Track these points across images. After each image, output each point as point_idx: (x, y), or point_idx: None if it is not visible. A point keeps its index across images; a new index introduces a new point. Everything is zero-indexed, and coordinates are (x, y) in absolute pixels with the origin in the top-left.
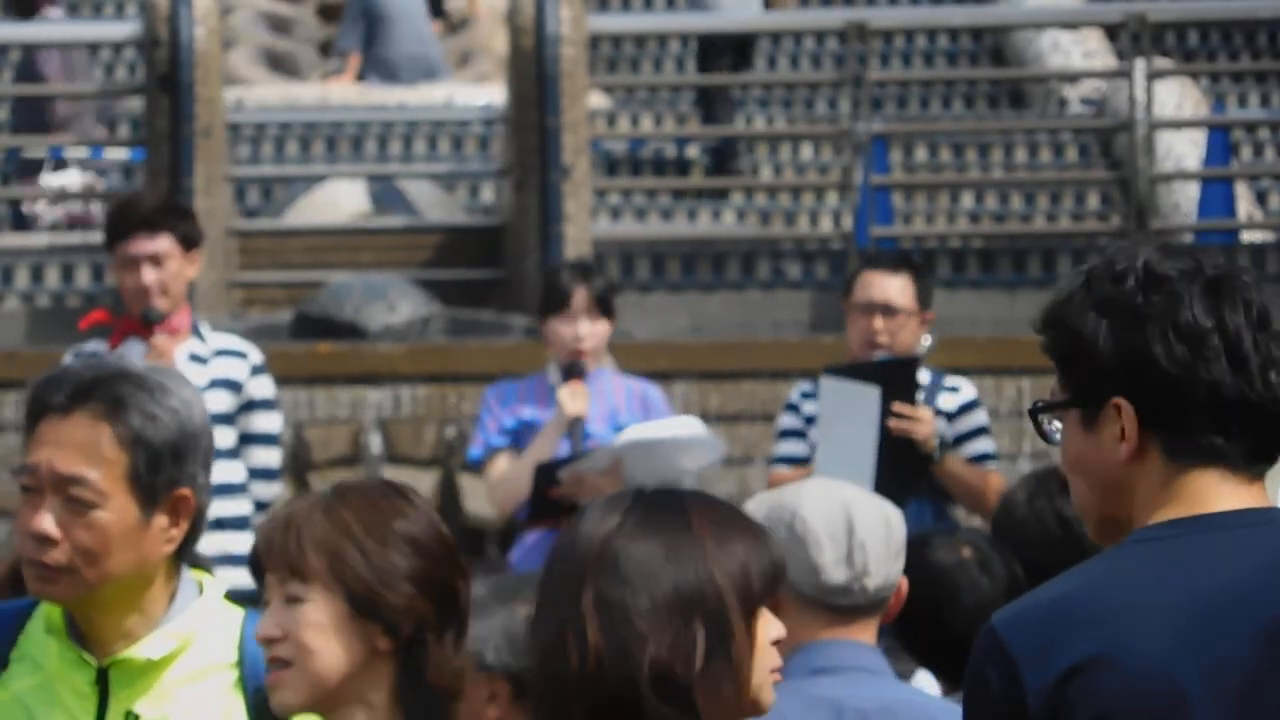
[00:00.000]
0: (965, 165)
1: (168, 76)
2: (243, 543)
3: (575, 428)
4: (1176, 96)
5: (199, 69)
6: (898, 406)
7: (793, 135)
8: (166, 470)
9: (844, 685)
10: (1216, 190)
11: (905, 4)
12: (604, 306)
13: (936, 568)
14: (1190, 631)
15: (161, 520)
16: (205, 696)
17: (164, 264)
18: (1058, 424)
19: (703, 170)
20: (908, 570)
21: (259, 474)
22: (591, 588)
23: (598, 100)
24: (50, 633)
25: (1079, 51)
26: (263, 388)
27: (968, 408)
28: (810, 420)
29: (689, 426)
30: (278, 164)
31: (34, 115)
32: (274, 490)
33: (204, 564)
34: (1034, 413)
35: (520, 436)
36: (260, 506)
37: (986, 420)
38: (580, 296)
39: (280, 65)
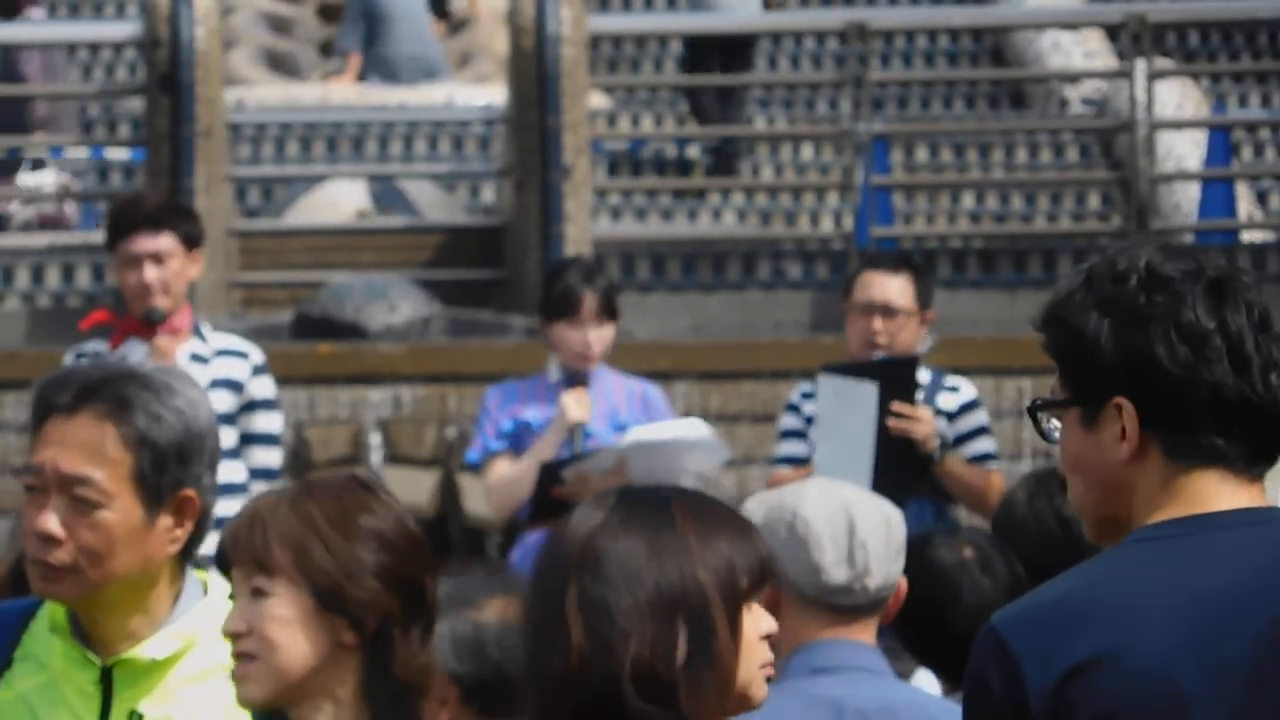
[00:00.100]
0: (966, 165)
1: (168, 77)
2: None
3: (576, 434)
4: (1177, 97)
5: (199, 69)
6: (897, 406)
7: (793, 135)
8: (171, 471)
9: (844, 685)
10: (1217, 190)
11: (906, 4)
12: (610, 311)
13: (938, 567)
14: (1192, 631)
15: (166, 521)
16: (209, 697)
17: (166, 262)
18: (1056, 422)
19: (703, 170)
20: (909, 570)
21: (260, 474)
22: (575, 586)
23: (598, 100)
24: (54, 632)
25: (1080, 52)
26: (264, 388)
27: (968, 407)
28: (811, 421)
29: (694, 429)
30: (278, 164)
31: (13, 115)
32: None
33: (206, 564)
34: (1033, 411)
35: (519, 438)
36: None
37: (987, 420)
38: (590, 302)
39: (281, 65)
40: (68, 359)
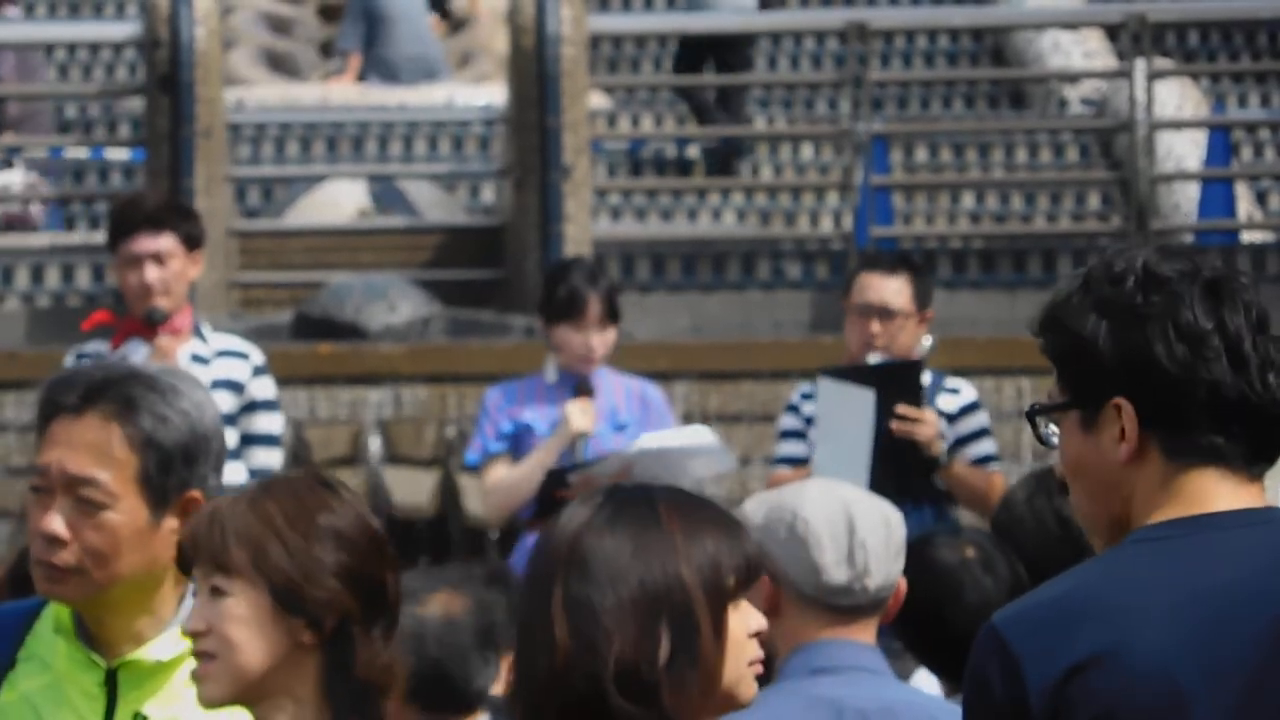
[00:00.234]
0: (965, 165)
1: (168, 77)
2: None
3: (578, 443)
4: (1177, 97)
5: (199, 69)
6: (902, 409)
7: (793, 135)
8: (177, 472)
9: (844, 685)
10: (1217, 191)
11: (906, 4)
12: (613, 314)
13: (940, 567)
14: (1192, 631)
15: (172, 522)
16: None
17: (167, 263)
18: (1054, 427)
19: (703, 170)
20: (911, 570)
21: (260, 475)
22: (561, 585)
23: (598, 100)
24: (59, 633)
25: (1079, 52)
26: (264, 388)
27: (969, 409)
28: (810, 421)
29: (700, 436)
30: (278, 164)
31: None
32: None
33: None
34: (1031, 416)
35: (518, 440)
36: None
37: (988, 422)
38: (594, 306)
39: (281, 65)
40: (68, 359)
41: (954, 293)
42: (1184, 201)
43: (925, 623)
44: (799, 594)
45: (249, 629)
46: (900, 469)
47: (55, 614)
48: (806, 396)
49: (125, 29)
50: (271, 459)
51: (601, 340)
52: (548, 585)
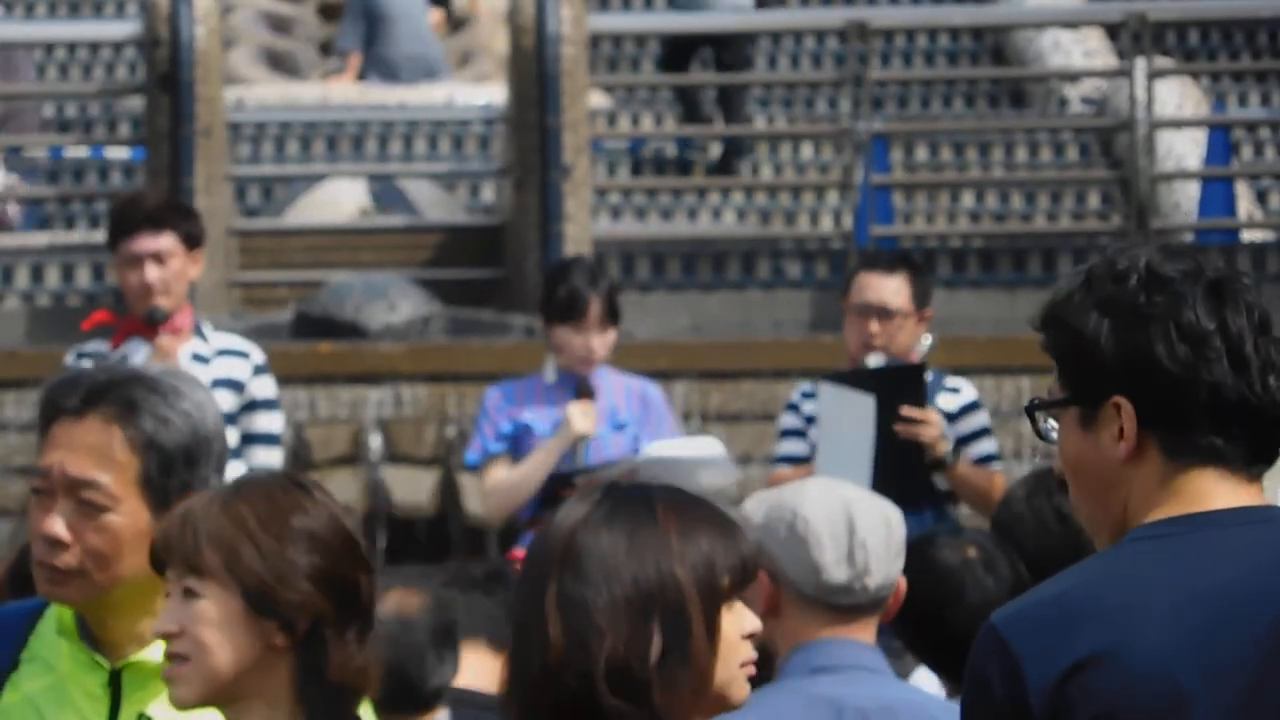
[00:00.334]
0: (966, 164)
1: (168, 76)
2: None
3: (579, 446)
4: (1177, 96)
5: (199, 68)
6: (907, 410)
7: (793, 134)
8: (179, 474)
9: (844, 684)
10: (1217, 190)
11: (906, 3)
12: (614, 315)
13: (942, 567)
14: (1192, 630)
15: None
16: None
17: (167, 262)
18: (1054, 423)
19: (703, 169)
20: (913, 570)
21: None
22: (555, 582)
23: (598, 100)
24: (62, 634)
25: (1079, 51)
26: (265, 388)
27: (969, 409)
28: (811, 420)
29: (708, 447)
30: (278, 163)
31: None
32: None
33: None
34: (1031, 411)
35: (518, 440)
36: None
37: (988, 421)
38: (595, 307)
39: (280, 65)
40: (69, 359)
41: (954, 292)
42: (1184, 200)
43: (927, 623)
44: (799, 593)
45: (220, 631)
46: (903, 473)
47: (58, 615)
48: (807, 395)
49: (125, 28)
50: (272, 458)
51: (602, 342)
52: (542, 582)
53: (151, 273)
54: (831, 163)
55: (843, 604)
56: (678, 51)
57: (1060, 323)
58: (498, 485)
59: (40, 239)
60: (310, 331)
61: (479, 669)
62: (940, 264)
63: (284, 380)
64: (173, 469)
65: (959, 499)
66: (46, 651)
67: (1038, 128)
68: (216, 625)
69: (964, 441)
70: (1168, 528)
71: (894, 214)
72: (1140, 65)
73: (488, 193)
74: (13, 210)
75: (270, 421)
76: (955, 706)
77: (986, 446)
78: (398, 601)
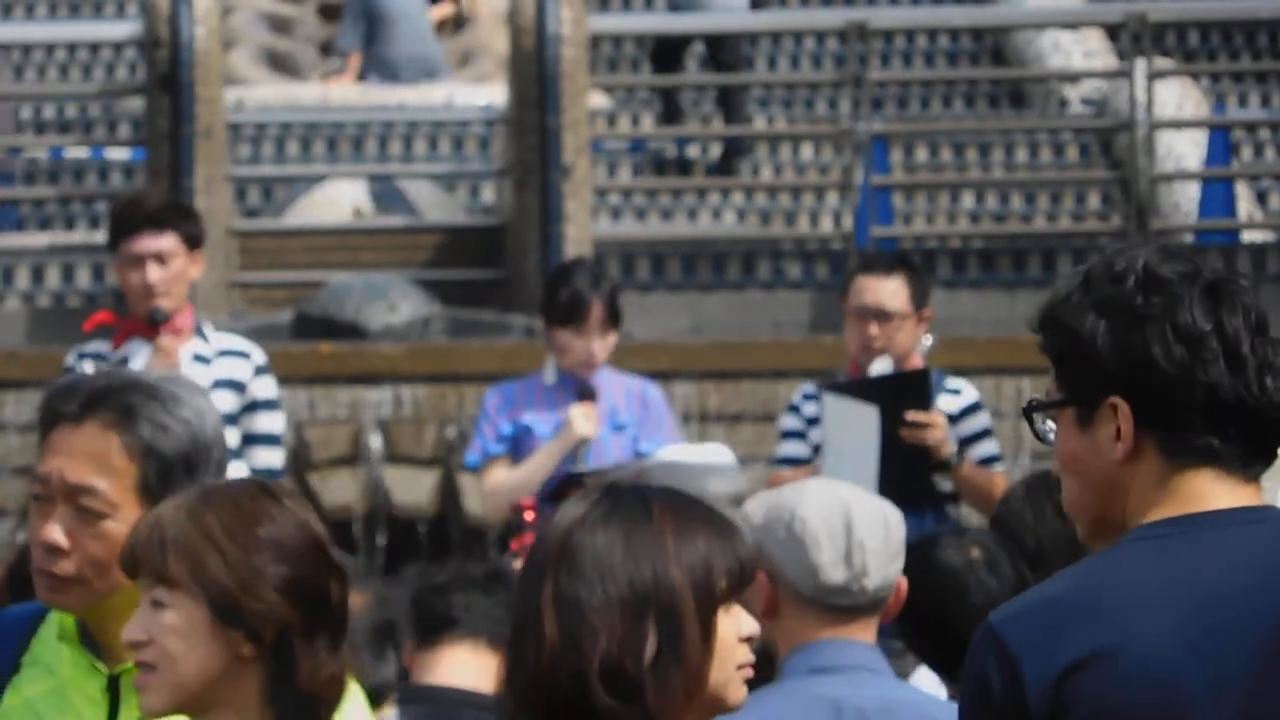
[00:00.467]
0: (965, 165)
1: (168, 76)
2: None
3: (581, 448)
4: (1177, 96)
5: (199, 69)
6: (912, 415)
7: (793, 135)
8: (178, 481)
9: (843, 684)
10: (1217, 190)
11: (906, 4)
12: (615, 318)
13: (944, 567)
14: (1191, 629)
15: None
16: None
17: (169, 262)
18: (1051, 424)
19: (703, 170)
20: (915, 570)
21: (261, 474)
22: (551, 581)
23: (598, 100)
24: (62, 640)
25: (1079, 51)
26: (266, 388)
27: (970, 410)
28: (811, 421)
29: (718, 454)
30: (278, 164)
31: None
32: None
33: None
34: (1028, 412)
35: (518, 442)
36: None
37: (989, 422)
38: (597, 311)
39: (281, 65)
40: (69, 359)
41: (954, 292)
42: (1184, 201)
43: (930, 623)
44: (797, 594)
45: (186, 641)
46: (906, 476)
47: (59, 620)
48: (808, 397)
49: (125, 29)
50: (273, 458)
51: (603, 345)
52: (539, 581)
53: (153, 273)
54: (831, 163)
55: (840, 605)
56: (665, 51)
57: (1058, 323)
58: (498, 486)
59: (40, 239)
60: (310, 332)
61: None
62: (940, 265)
63: (284, 380)
64: (171, 476)
65: (960, 500)
66: (48, 656)
67: (1038, 128)
68: (182, 635)
69: (966, 443)
70: (1166, 528)
71: (894, 215)
72: (1140, 66)
73: (488, 193)
74: None
75: (271, 422)
76: (955, 707)
77: (988, 448)
78: None
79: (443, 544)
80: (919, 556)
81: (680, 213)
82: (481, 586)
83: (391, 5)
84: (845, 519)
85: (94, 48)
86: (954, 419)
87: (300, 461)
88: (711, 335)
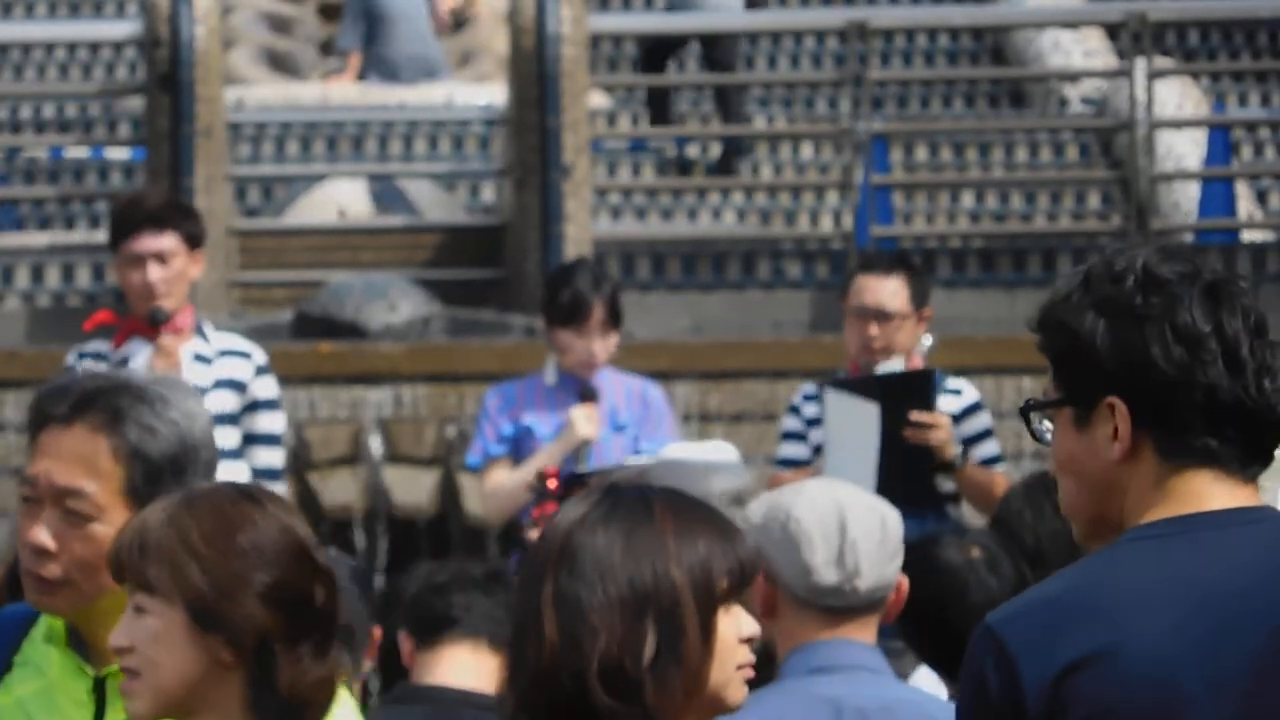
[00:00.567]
0: (965, 165)
1: (168, 76)
2: None
3: (582, 450)
4: (1177, 96)
5: (199, 68)
6: (916, 415)
7: (793, 135)
8: (165, 483)
9: (843, 684)
10: (1217, 190)
11: (906, 3)
12: (616, 319)
13: (945, 567)
14: (1190, 628)
15: None
16: None
17: (170, 262)
18: (1049, 424)
19: (703, 170)
20: (916, 569)
21: (262, 474)
22: (551, 581)
23: (598, 100)
24: (50, 641)
25: (1079, 51)
26: (266, 388)
27: (971, 410)
28: (811, 423)
29: (722, 451)
30: (278, 163)
31: None
32: (277, 490)
33: None
34: (1025, 412)
35: (519, 443)
36: None
37: (990, 422)
38: (598, 312)
39: (281, 65)
40: (70, 359)
41: (954, 292)
42: (1184, 200)
43: (930, 622)
44: (792, 595)
45: (167, 647)
46: (908, 476)
47: (48, 623)
48: (809, 397)
49: (125, 28)
50: (273, 458)
51: (604, 346)
52: (540, 581)
53: (154, 272)
54: (831, 163)
55: (834, 605)
56: (655, 51)
57: (1057, 323)
58: (499, 487)
59: (40, 239)
60: (310, 331)
61: (479, 669)
62: (940, 264)
63: (284, 380)
64: (159, 478)
65: (961, 500)
66: (39, 656)
67: (1038, 128)
68: (163, 641)
69: (967, 443)
70: (1164, 528)
71: (894, 214)
72: (1140, 65)
73: (488, 193)
74: None
75: (272, 422)
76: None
77: (990, 448)
78: None
79: (443, 544)
80: (919, 556)
81: (680, 212)
82: (481, 586)
83: (391, 5)
84: (839, 520)
85: (94, 47)
86: (955, 419)
87: (300, 461)
88: (711, 335)
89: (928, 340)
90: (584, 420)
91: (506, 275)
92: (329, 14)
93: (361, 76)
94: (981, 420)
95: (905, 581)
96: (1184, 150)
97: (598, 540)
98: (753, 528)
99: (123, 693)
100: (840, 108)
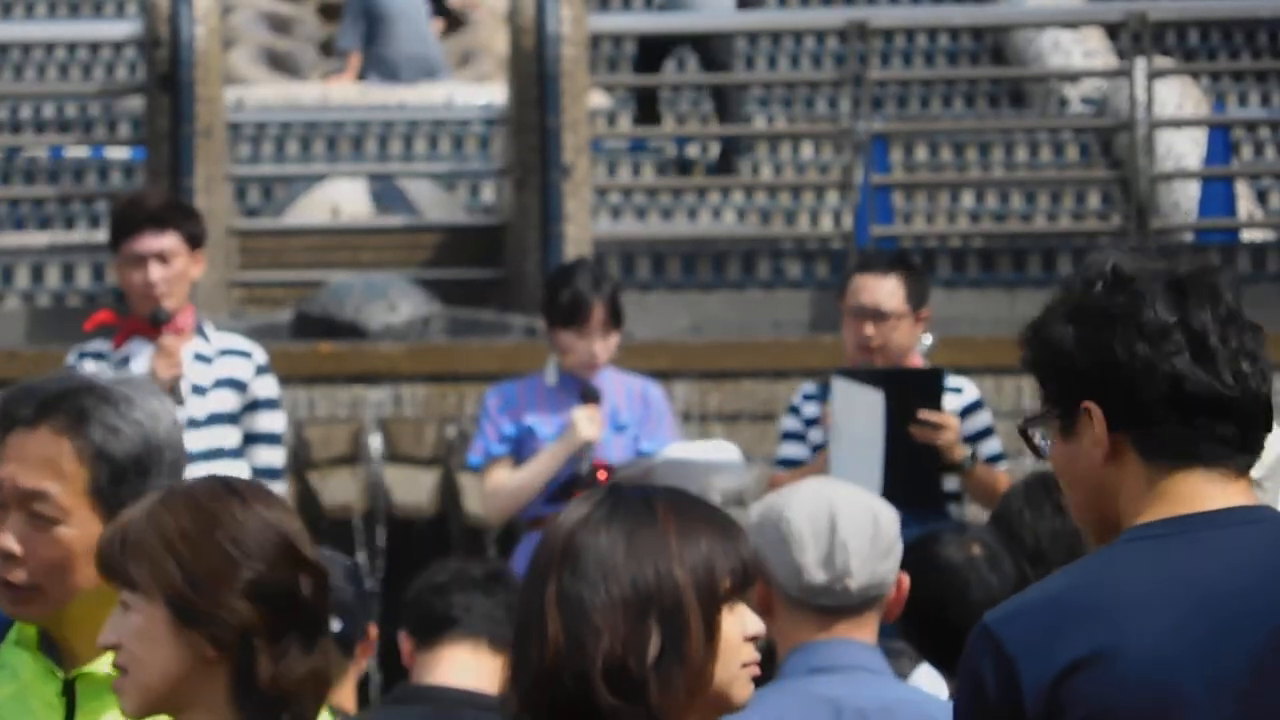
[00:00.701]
0: (965, 164)
1: (168, 76)
2: None
3: (584, 451)
4: (1177, 95)
5: (199, 68)
6: (924, 414)
7: (793, 134)
8: (130, 483)
9: (842, 684)
10: (1217, 189)
11: (906, 3)
12: (617, 319)
13: (945, 564)
14: (1188, 628)
15: None
16: None
17: (171, 261)
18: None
19: (703, 170)
20: (917, 567)
21: (262, 473)
22: (554, 581)
23: (598, 100)
24: (19, 645)
25: (1079, 51)
26: (267, 387)
27: (972, 409)
28: (810, 423)
29: (724, 450)
30: (278, 163)
31: None
32: (278, 489)
33: None
34: (1023, 431)
35: (520, 443)
36: None
37: (991, 420)
38: (599, 313)
39: (281, 65)
40: (70, 358)
41: (954, 292)
42: (1184, 200)
43: (930, 620)
44: (786, 595)
45: (150, 644)
46: (914, 475)
47: (19, 626)
48: (809, 397)
49: (125, 28)
50: (274, 458)
51: (604, 346)
52: (543, 581)
53: (155, 272)
54: (831, 163)
55: (826, 605)
56: (650, 51)
57: (1034, 336)
58: (500, 487)
59: (40, 238)
60: (310, 331)
61: (479, 669)
62: (940, 264)
63: (284, 380)
64: (124, 479)
65: (965, 499)
66: (13, 660)
67: (1038, 128)
68: (146, 638)
69: (969, 442)
70: (1162, 528)
71: (894, 214)
72: (1140, 65)
73: (488, 193)
74: None
75: (272, 421)
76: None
77: (992, 446)
78: None
79: (443, 544)
80: (920, 554)
81: (680, 212)
82: (481, 586)
83: (391, 5)
84: (830, 519)
85: (94, 47)
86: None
87: (300, 461)
88: (711, 335)
89: (927, 340)
90: (586, 422)
91: (506, 275)
92: (329, 14)
93: (361, 76)
94: (983, 418)
95: (906, 579)
96: (1184, 150)
97: (600, 540)
98: (750, 528)
99: (115, 690)
100: (840, 108)
